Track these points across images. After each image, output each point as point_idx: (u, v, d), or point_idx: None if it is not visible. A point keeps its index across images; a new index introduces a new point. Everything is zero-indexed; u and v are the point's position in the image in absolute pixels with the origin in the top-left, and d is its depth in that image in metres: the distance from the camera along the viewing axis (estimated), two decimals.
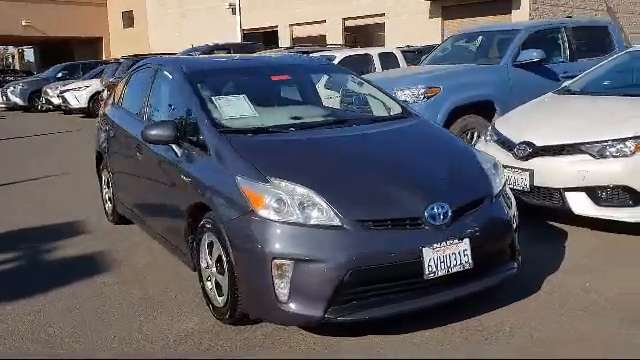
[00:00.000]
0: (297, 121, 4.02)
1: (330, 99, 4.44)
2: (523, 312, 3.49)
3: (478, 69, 7.36)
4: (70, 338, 3.51)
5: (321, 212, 3.09)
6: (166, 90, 4.57)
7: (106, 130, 5.63)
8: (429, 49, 11.36)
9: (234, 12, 31.49)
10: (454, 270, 3.16)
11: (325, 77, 4.83)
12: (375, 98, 4.56)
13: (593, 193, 4.60)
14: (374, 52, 10.63)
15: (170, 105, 4.49)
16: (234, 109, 3.98)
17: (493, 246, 3.38)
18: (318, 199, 3.11)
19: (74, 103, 17.69)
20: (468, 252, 3.20)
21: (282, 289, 3.05)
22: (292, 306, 3.05)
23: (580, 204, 4.66)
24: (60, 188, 7.82)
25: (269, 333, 3.38)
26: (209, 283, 3.66)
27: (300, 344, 3.25)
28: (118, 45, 38.53)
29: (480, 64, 7.59)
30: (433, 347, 3.11)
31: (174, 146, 3.92)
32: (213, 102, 4.01)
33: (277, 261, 3.04)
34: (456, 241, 3.17)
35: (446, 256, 3.14)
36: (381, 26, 26.75)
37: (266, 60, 5.13)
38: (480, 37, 8.29)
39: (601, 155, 4.59)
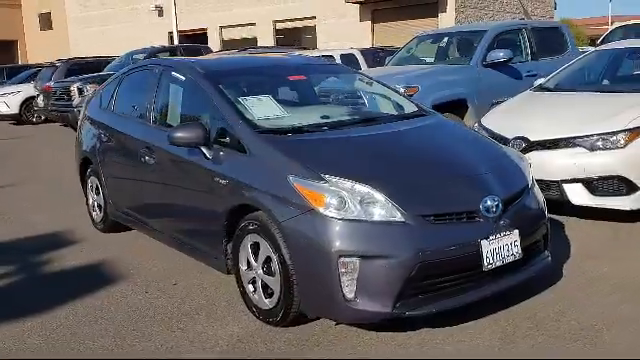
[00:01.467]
0: (327, 120, 4.02)
1: (340, 99, 4.46)
2: (560, 298, 3.65)
3: (451, 69, 7.58)
4: (114, 349, 3.36)
5: (383, 208, 3.11)
6: (178, 92, 4.44)
7: (96, 135, 5.39)
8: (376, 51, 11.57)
9: (160, 14, 30.89)
10: (507, 261, 3.27)
11: (333, 77, 4.85)
12: (387, 97, 4.62)
13: (589, 184, 4.86)
14: (336, 54, 10.71)
15: (185, 107, 4.37)
16: (264, 109, 3.93)
17: (534, 235, 3.52)
18: (379, 196, 3.13)
19: (3, 109, 16.73)
20: (518, 242, 3.32)
21: (349, 286, 3.05)
22: (360, 303, 3.05)
23: (578, 195, 4.91)
24: (32, 197, 7.41)
25: (321, 331, 3.38)
26: (251, 286, 3.61)
27: (354, 339, 3.26)
28: (35, 48, 36.78)
29: (450, 64, 7.82)
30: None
31: (203, 148, 3.82)
32: (241, 103, 3.93)
33: (343, 259, 3.03)
34: (508, 232, 3.28)
35: (500, 247, 3.24)
36: (312, 29, 26.93)
37: (276, 60, 5.08)
38: (446, 38, 8.54)
39: (595, 148, 4.86)
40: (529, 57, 8.24)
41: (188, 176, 4.05)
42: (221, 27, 29.99)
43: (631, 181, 4.76)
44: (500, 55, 7.48)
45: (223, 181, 3.68)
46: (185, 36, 28.07)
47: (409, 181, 3.30)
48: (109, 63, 15.01)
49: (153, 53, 13.89)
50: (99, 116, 5.44)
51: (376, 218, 3.09)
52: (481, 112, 7.17)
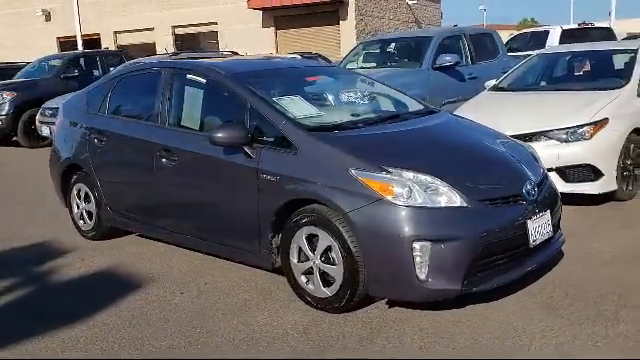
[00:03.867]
0: (357, 118, 4.26)
1: (355, 98, 4.71)
2: (574, 272, 4.12)
3: (405, 72, 8.04)
4: (186, 347, 3.40)
5: (446, 195, 3.41)
6: (197, 94, 4.48)
7: (86, 140, 5.24)
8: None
9: (48, 19, 29.33)
10: (544, 238, 3.70)
11: (341, 78, 5.09)
12: (392, 97, 4.93)
13: (563, 172, 5.45)
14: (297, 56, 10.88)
15: (208, 109, 4.44)
16: (300, 109, 4.10)
17: (557, 215, 3.97)
18: (441, 184, 3.42)
19: None
20: (550, 221, 3.76)
21: (421, 268, 3.32)
22: (432, 283, 3.33)
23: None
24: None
25: (379, 316, 3.61)
26: (304, 277, 3.77)
27: (417, 320, 3.53)
28: None
29: (402, 68, 8.28)
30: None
31: (246, 147, 3.92)
32: (277, 103, 4.07)
33: (416, 243, 3.29)
34: (543, 212, 3.70)
35: (540, 226, 3.66)
36: (214, 34, 26.77)
37: (287, 62, 5.22)
38: (393, 43, 9.01)
39: (567, 140, 5.45)
40: (469, 61, 8.90)
41: (224, 176, 4.12)
42: (116, 32, 29.07)
43: (598, 168, 5.40)
44: (449, 59, 8.05)
45: (272, 178, 3.81)
46: (75, 42, 26.95)
47: (462, 170, 3.62)
48: (19, 69, 14.16)
49: (73, 59, 13.25)
50: (88, 120, 5.30)
51: (442, 204, 3.39)
52: None
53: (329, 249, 3.60)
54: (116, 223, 5.19)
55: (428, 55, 8.19)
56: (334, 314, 3.65)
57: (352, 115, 4.32)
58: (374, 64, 8.62)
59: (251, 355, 3.28)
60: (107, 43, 28.44)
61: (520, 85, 6.84)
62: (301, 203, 3.72)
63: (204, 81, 4.45)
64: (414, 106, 4.79)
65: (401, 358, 3.19)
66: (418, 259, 3.31)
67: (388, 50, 8.96)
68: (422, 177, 3.44)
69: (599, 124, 5.49)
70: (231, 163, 4.04)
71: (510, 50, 12.07)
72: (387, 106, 4.80)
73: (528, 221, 3.58)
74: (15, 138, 12.07)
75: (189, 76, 4.56)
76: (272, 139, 3.91)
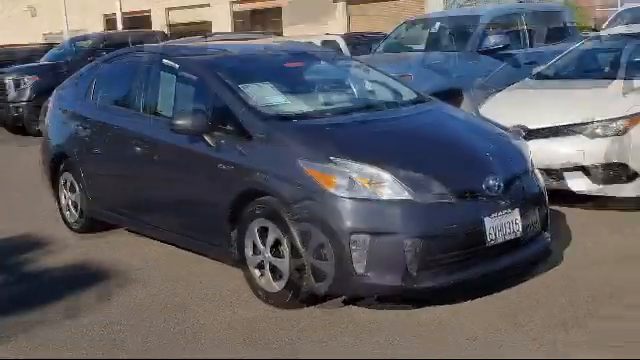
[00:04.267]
0: (329, 107, 4.87)
1: (338, 86, 5.30)
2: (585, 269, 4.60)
3: (445, 56, 8.49)
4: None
5: (390, 188, 3.96)
6: (170, 80, 5.22)
7: (73, 127, 6.11)
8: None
9: None
10: (508, 238, 4.15)
11: (328, 64, 5.71)
12: (385, 84, 5.49)
13: (589, 171, 5.79)
14: (317, 40, 11.59)
15: (180, 95, 5.16)
16: (265, 96, 4.75)
17: (534, 216, 4.40)
18: (386, 176, 3.98)
19: None
20: (519, 221, 4.21)
21: (360, 262, 3.88)
22: (370, 277, 3.89)
23: (578, 183, 5.84)
24: None
25: (328, 313, 4.20)
26: (257, 271, 4.41)
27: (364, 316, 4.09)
28: None
29: (444, 51, 8.73)
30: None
31: (206, 136, 4.61)
32: (242, 90, 4.74)
33: (354, 236, 3.87)
34: (509, 210, 4.16)
35: (502, 224, 4.12)
36: (277, 11, 27.67)
37: (270, 47, 5.91)
38: (438, 23, 9.47)
39: (595, 135, 5.80)
40: (528, 44, 9.20)
41: (188, 165, 4.84)
42: (167, 9, 30.61)
43: (631, 168, 5.70)
44: (496, 41, 8.42)
45: (228, 167, 4.48)
46: (126, 19, 28.70)
47: (414, 162, 4.15)
48: (41, 52, 15.51)
49: (103, 40, 14.50)
50: (76, 107, 6.18)
51: (384, 197, 3.94)
52: (477, 102, 8.09)
53: (278, 242, 4.21)
54: (98, 215, 6.00)
55: (473, 36, 8.58)
56: (283, 310, 4.27)
57: (325, 104, 4.93)
58: (416, 46, 9.10)
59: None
60: (158, 21, 30.08)
61: (567, 72, 7.17)
62: (256, 195, 4.36)
63: (177, 67, 5.18)
64: (407, 95, 5.32)
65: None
66: (356, 253, 3.88)
67: (432, 31, 9.40)
68: (367, 169, 4.00)
69: (637, 118, 5.79)
70: (193, 152, 4.74)
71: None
72: (372, 95, 5.37)
73: (486, 218, 4.05)
74: (38, 128, 13.29)
75: (165, 62, 5.31)
76: (232, 128, 4.57)
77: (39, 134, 13.15)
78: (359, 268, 3.89)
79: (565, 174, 5.86)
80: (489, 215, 4.08)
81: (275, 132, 4.37)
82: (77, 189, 6.15)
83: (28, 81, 13.14)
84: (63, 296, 4.77)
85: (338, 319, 4.10)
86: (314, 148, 4.17)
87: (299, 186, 4.08)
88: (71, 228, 6.34)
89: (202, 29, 26.54)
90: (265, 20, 28.30)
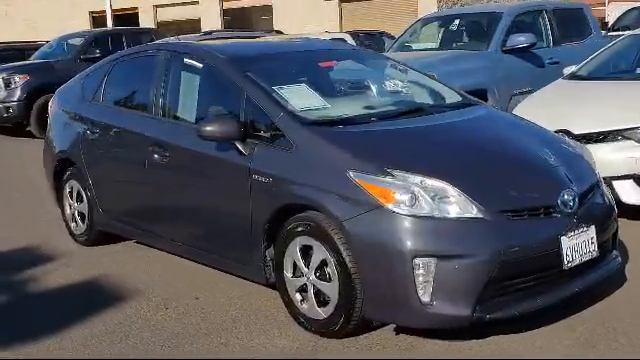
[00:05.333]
0: (372, 111, 4.39)
1: (377, 87, 4.84)
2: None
3: (468, 55, 8.06)
4: None
5: (458, 204, 3.49)
6: (193, 81, 4.73)
7: (79, 131, 5.60)
8: None
9: None
10: (585, 259, 3.70)
11: (362, 63, 5.23)
12: (426, 86, 5.02)
13: None
14: (326, 38, 11.13)
15: (204, 98, 4.67)
16: (303, 99, 4.27)
17: (607, 233, 3.96)
18: (453, 191, 3.51)
19: None
20: (595, 239, 3.76)
21: (424, 289, 3.41)
22: (437, 307, 3.42)
23: (629, 193, 5.41)
24: None
25: (380, 342, 3.72)
26: (298, 294, 3.93)
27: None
28: None
29: (464, 49, 8.30)
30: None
31: (238, 143, 4.12)
32: (277, 92, 4.25)
33: (418, 259, 3.39)
34: (585, 228, 3.71)
35: (579, 244, 3.67)
36: (268, 9, 27.24)
37: (300, 44, 5.42)
38: (457, 20, 9.05)
39: None
40: (550, 42, 8.81)
41: (216, 175, 4.36)
42: (155, 6, 30.09)
43: None
44: (522, 40, 8.02)
45: (264, 179, 4.00)
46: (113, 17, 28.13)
47: (481, 175, 3.70)
48: (35, 49, 14.98)
49: (95, 38, 13.93)
50: (82, 109, 5.67)
51: (452, 215, 3.47)
52: (501, 104, 7.67)
53: (324, 263, 3.74)
54: (109, 227, 5.51)
55: (497, 35, 8.17)
56: (329, 339, 3.79)
57: (366, 107, 4.45)
58: (433, 45, 8.68)
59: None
60: (146, 19, 29.55)
61: (603, 73, 6.75)
62: (297, 209, 3.89)
63: (201, 66, 4.69)
64: (450, 98, 4.87)
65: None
66: (421, 278, 3.41)
67: (451, 29, 8.99)
68: (431, 182, 3.53)
69: None
70: (222, 161, 4.26)
71: (617, 29, 11.78)
72: (414, 97, 4.91)
73: (562, 238, 3.60)
74: (29, 128, 12.78)
75: (186, 60, 4.81)
76: (268, 134, 4.09)
77: (30, 135, 12.74)
78: (424, 296, 3.42)
79: (614, 183, 5.42)
80: (565, 234, 3.62)
81: (319, 140, 3.89)
82: (84, 198, 5.64)
83: (19, 80, 12.58)
84: (73, 321, 4.26)
85: (395, 349, 3.65)
86: (367, 158, 3.70)
87: (350, 201, 3.60)
88: (76, 240, 5.84)
89: (191, 27, 26.16)
90: (255, 18, 27.92)
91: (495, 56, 8.07)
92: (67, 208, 5.90)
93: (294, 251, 3.89)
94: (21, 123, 12.85)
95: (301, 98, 4.29)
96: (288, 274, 3.96)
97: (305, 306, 3.89)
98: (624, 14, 14.28)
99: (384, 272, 3.49)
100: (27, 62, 13.68)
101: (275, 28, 25.39)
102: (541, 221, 3.63)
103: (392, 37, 17.85)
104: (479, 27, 8.74)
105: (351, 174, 3.63)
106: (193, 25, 26.98)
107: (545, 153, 4.03)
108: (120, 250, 5.62)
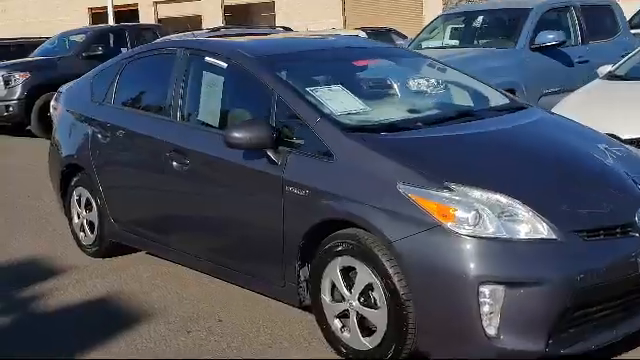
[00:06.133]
0: (416, 115, 3.97)
1: (418, 88, 4.42)
2: None
3: (495, 53, 7.66)
4: None
5: (527, 224, 3.07)
6: (216, 82, 4.30)
7: (89, 134, 5.17)
8: None
9: None
10: None
11: (397, 62, 4.80)
12: (468, 87, 4.60)
13: None
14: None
15: (229, 100, 4.26)
16: (340, 103, 3.85)
17: None
18: (521, 208, 3.09)
19: None
20: None
21: (490, 320, 2.99)
22: (505, 341, 3.00)
23: None
24: None
25: None
26: (338, 321, 3.52)
27: None
28: None
29: (489, 47, 7.89)
30: None
31: (269, 151, 3.70)
32: (312, 94, 3.83)
33: (484, 287, 2.97)
34: None
35: None
36: (270, 5, 26.86)
37: (331, 42, 5.01)
38: (481, 16, 8.64)
39: None
40: (579, 40, 8.41)
41: (243, 185, 3.95)
42: (155, 3, 29.68)
43: None
44: (551, 37, 7.63)
45: (300, 191, 3.58)
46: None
47: (549, 189, 3.29)
48: (34, 46, 14.51)
49: (97, 34, 13.47)
50: (92, 111, 5.24)
51: (521, 236, 3.06)
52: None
53: (370, 287, 3.33)
54: (121, 238, 5.09)
55: (525, 32, 7.77)
56: None
57: (410, 111, 4.03)
58: (456, 42, 8.28)
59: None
60: (145, 16, 29.12)
61: None
62: (337, 225, 3.48)
63: (225, 65, 4.26)
64: (497, 100, 4.46)
65: None
66: (486, 308, 2.99)
67: (475, 25, 8.59)
68: (496, 197, 3.12)
69: None
70: (251, 170, 3.84)
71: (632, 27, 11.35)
72: (460, 100, 4.48)
73: None
74: (28, 127, 12.35)
75: (208, 59, 4.38)
76: (303, 141, 3.68)
77: (30, 135, 12.30)
78: (489, 328, 2.99)
79: None
80: None
81: (363, 148, 3.46)
82: (94, 207, 5.21)
83: (19, 78, 12.11)
84: (85, 346, 3.86)
85: None
86: (420, 169, 3.27)
87: (401, 218, 3.18)
88: (86, 251, 5.41)
89: (192, 23, 25.77)
90: (256, 15, 27.59)
91: (524, 54, 7.68)
92: (75, 217, 5.47)
93: (334, 272, 3.48)
94: (21, 122, 12.39)
95: (339, 101, 3.86)
96: (326, 297, 3.55)
97: (346, 334, 3.47)
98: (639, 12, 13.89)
99: (443, 300, 3.07)
100: (27, 59, 13.20)
101: (277, 25, 25.18)
102: (618, 241, 3.20)
103: (400, 34, 17.45)
104: (505, 23, 8.33)
105: (402, 188, 3.21)
106: (194, 22, 26.63)
107: (614, 163, 3.61)
108: (132, 263, 5.20)
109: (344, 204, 3.40)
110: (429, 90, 4.47)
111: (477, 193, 3.12)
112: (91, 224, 5.31)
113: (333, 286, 3.52)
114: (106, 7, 24.51)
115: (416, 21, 23.37)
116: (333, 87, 3.99)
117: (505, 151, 3.60)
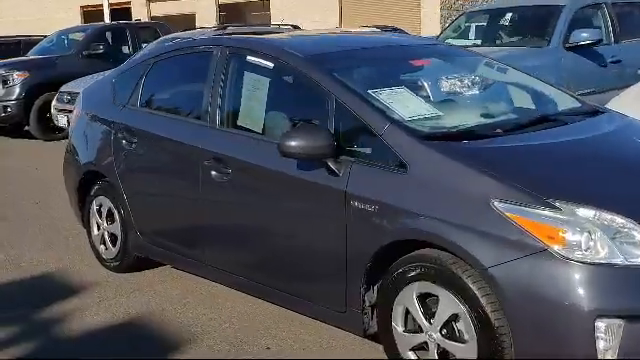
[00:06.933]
0: (491, 120, 3.56)
1: (486, 90, 4.01)
2: None
3: (528, 52, 7.26)
4: None
5: None
6: (262, 84, 3.86)
7: (111, 139, 4.72)
8: None
9: None
10: None
11: (456, 61, 4.37)
12: (532, 89, 4.19)
13: None
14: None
15: (276, 104, 3.83)
16: (408, 106, 3.42)
17: None
18: (639, 229, 2.68)
19: None
20: None
21: (605, 357, 2.59)
22: None
23: None
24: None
25: None
26: (412, 354, 3.12)
27: None
28: None
29: (518, 46, 7.51)
30: None
31: (330, 161, 3.28)
32: (376, 98, 3.41)
33: (601, 321, 2.57)
34: None
35: None
36: (265, 4, 26.43)
37: (383, 39, 4.58)
38: (509, 14, 8.26)
39: None
40: (611, 39, 8.02)
41: (298, 199, 3.52)
42: (149, 0, 29.15)
43: None
44: (586, 36, 7.26)
45: (367, 207, 3.15)
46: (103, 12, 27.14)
47: None
48: (31, 45, 14.00)
49: (98, 32, 12.95)
50: (115, 115, 4.78)
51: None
52: None
53: (455, 318, 2.92)
54: (148, 252, 4.65)
55: (559, 30, 7.37)
56: None
57: (483, 116, 3.60)
58: (482, 41, 7.88)
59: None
60: (139, 13, 28.59)
61: None
62: (412, 246, 3.07)
63: (271, 65, 3.82)
64: (566, 103, 4.05)
65: None
66: (602, 344, 2.59)
67: (502, 23, 8.21)
68: (609, 217, 2.71)
69: None
70: (307, 182, 3.42)
71: None
72: (528, 103, 4.06)
73: None
74: (27, 128, 11.84)
75: (250, 58, 3.94)
76: (369, 150, 3.26)
77: (29, 136, 11.79)
78: None
79: None
80: None
81: (444, 158, 3.03)
82: (117, 218, 4.78)
83: (17, 78, 11.59)
84: None
85: None
86: (518, 184, 2.84)
87: (497, 240, 2.76)
88: (107, 266, 4.97)
89: (187, 22, 25.28)
90: (251, 13, 27.17)
91: (558, 53, 7.28)
92: (95, 228, 5.03)
93: (409, 300, 3.06)
94: (20, 123, 11.89)
95: (404, 104, 3.43)
96: (398, 327, 3.14)
97: None
98: None
99: (548, 335, 2.66)
100: (26, 58, 12.69)
101: (272, 23, 24.73)
102: None
103: (405, 33, 17.03)
104: (535, 21, 7.93)
105: (498, 205, 2.79)
106: (188, 20, 26.14)
107: None
108: (158, 279, 4.76)
109: (423, 222, 2.98)
110: (494, 92, 4.06)
111: (587, 212, 2.71)
112: (113, 236, 4.87)
113: (406, 314, 3.12)
114: (98, 5, 24.00)
115: (413, 18, 23.07)
116: (397, 89, 3.55)
117: (604, 162, 3.18)
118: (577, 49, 7.36)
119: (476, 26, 8.43)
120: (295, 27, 12.05)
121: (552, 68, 7.06)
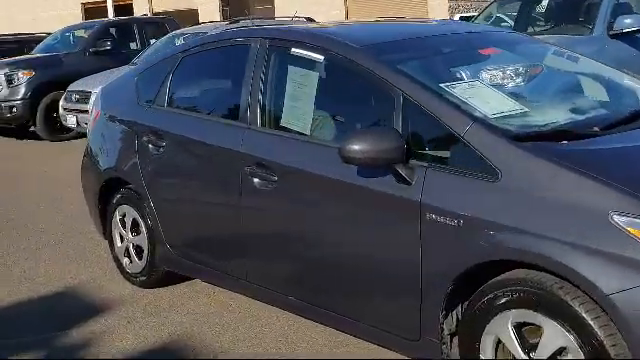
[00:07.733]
0: (583, 117, 3.09)
1: (564, 83, 3.57)
2: None
3: (571, 40, 6.80)
4: None
5: None
6: (311, 79, 3.38)
7: (136, 143, 4.25)
8: None
9: None
10: None
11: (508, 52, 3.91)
12: (611, 81, 3.74)
13: None
14: None
15: (330, 102, 3.37)
16: (486, 103, 2.95)
17: None
18: None
19: None
20: None
21: None
22: None
23: None
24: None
25: None
26: None
27: None
28: None
29: (562, 35, 7.05)
30: None
31: (399, 167, 2.82)
32: (451, 93, 2.94)
33: None
34: None
35: None
36: None
37: (443, 27, 4.11)
38: (545, 1, 7.82)
39: None
40: None
41: (360, 210, 3.06)
42: None
43: None
44: (631, 22, 6.84)
45: (447, 220, 2.69)
46: (104, 8, 26.71)
47: None
48: (35, 42, 13.53)
49: (105, 28, 12.46)
50: (140, 115, 4.32)
51: None
52: None
53: (562, 352, 2.46)
54: (178, 267, 4.20)
55: (601, 16, 6.96)
56: None
57: (572, 112, 3.13)
58: (517, 29, 7.45)
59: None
60: (140, 10, 28.14)
61: None
62: (503, 267, 2.61)
63: (321, 58, 3.35)
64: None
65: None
66: None
67: (538, 10, 7.78)
68: None
69: None
70: (371, 191, 2.96)
71: None
72: (612, 97, 3.58)
73: None
74: (33, 129, 11.38)
75: (295, 50, 3.47)
76: (447, 153, 2.81)
77: (35, 137, 11.33)
78: None
79: None
80: None
81: (547, 164, 2.56)
82: (143, 229, 4.32)
83: (23, 76, 11.12)
84: None
85: None
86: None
87: (620, 261, 2.30)
88: (132, 281, 4.52)
89: (189, 17, 24.83)
90: (255, 7, 26.76)
91: (602, 41, 6.86)
92: (117, 240, 4.57)
93: (503, 329, 2.60)
94: (25, 124, 11.44)
95: (486, 100, 2.96)
96: (487, 357, 2.68)
97: None
98: None
99: None
100: (31, 56, 12.20)
101: (277, 14, 24.29)
102: None
103: None
104: (575, 8, 7.51)
105: (618, 219, 2.33)
106: (190, 15, 25.72)
107: None
108: (189, 295, 4.32)
109: (522, 239, 2.51)
110: (572, 83, 3.60)
111: None
112: (139, 249, 4.42)
113: (497, 345, 2.66)
114: (99, 2, 23.52)
115: (421, 10, 22.66)
116: (472, 83, 3.09)
117: None
118: (621, 37, 6.93)
119: (509, 14, 8.01)
120: (310, 20, 11.59)
121: (598, 57, 6.60)
